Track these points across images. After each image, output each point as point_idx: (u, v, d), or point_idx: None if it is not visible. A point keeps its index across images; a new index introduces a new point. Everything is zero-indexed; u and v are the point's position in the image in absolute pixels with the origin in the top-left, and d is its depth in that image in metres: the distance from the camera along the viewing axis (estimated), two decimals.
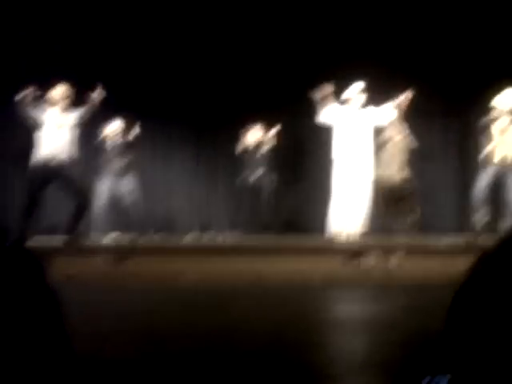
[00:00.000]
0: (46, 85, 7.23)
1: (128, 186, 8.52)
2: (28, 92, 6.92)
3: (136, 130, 8.57)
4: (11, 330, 0.71)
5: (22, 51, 9.26)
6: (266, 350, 3.07)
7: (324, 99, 7.53)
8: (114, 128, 8.50)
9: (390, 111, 7.71)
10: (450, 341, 1.25)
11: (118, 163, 8.49)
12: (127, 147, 8.58)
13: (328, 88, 7.51)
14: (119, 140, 8.55)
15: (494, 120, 7.49)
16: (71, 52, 9.33)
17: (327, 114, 7.61)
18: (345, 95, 7.71)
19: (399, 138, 8.22)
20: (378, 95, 7.86)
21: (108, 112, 7.93)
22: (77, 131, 7.25)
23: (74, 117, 7.17)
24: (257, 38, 9.70)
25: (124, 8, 9.31)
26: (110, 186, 8.45)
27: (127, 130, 8.55)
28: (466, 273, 1.29)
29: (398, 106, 7.68)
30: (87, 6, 9.21)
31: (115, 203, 8.55)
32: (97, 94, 7.28)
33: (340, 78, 7.88)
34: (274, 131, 9.04)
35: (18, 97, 6.95)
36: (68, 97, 7.12)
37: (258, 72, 9.84)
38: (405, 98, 7.62)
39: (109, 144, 8.54)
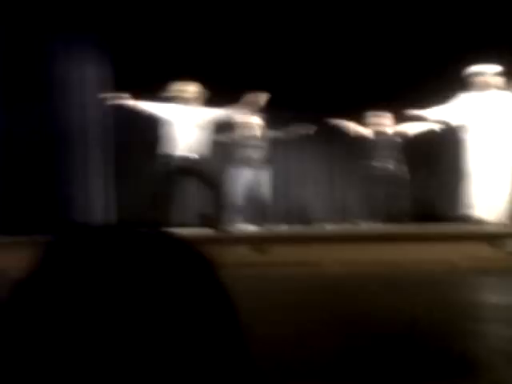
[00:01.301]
0: (178, 81, 7.44)
1: (264, 177, 8.65)
2: (117, 98, 7.21)
3: (311, 129, 8.73)
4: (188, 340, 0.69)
5: (156, 47, 9.55)
6: (415, 337, 3.04)
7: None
8: (256, 120, 8.61)
9: None
10: None
11: (254, 155, 8.62)
12: (265, 139, 8.70)
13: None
14: (255, 132, 8.69)
15: None
16: (203, 49, 9.55)
17: (435, 113, 7.50)
18: (478, 78, 7.48)
19: None
20: None
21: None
22: (210, 129, 7.43)
23: (208, 115, 7.34)
24: (383, 22, 9.56)
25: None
26: (246, 178, 8.62)
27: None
28: None
29: None
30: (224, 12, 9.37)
31: (252, 195, 8.72)
32: (260, 99, 7.49)
33: (471, 60, 7.65)
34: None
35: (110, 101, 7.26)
36: (200, 95, 7.30)
37: (387, 55, 9.70)
38: None
39: (245, 136, 8.68)
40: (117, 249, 0.71)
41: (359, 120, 9.06)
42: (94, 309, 0.66)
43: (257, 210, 8.87)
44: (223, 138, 8.53)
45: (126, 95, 7.26)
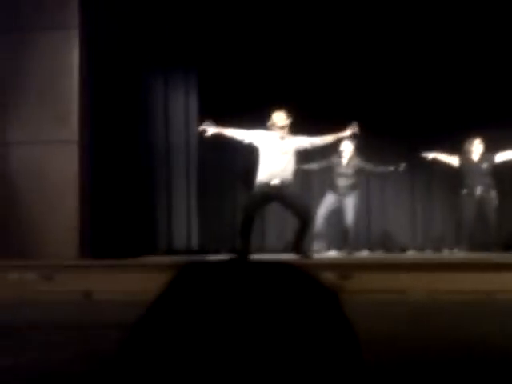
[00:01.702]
0: (268, 110, 7.55)
1: (350, 204, 8.62)
2: (203, 130, 7.41)
3: (401, 167, 8.75)
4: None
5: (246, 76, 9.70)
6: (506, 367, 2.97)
7: None
8: (347, 148, 8.62)
9: None
10: None
11: (342, 182, 8.62)
12: (355, 167, 8.69)
13: None
14: (345, 160, 8.68)
15: None
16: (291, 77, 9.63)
17: None
18: None
19: None
20: None
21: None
22: (297, 156, 7.50)
23: (295, 143, 7.41)
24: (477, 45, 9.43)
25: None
26: (333, 204, 8.63)
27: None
28: None
29: None
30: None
31: (337, 221, 8.72)
32: (351, 131, 7.63)
33: None
34: None
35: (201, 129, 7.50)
36: (288, 123, 7.37)
37: (479, 82, 9.56)
38: None
39: (335, 163, 8.69)
40: (248, 279, 0.72)
41: (450, 146, 8.91)
42: (221, 334, 0.66)
43: (341, 236, 8.85)
44: (313, 166, 8.62)
45: (208, 123, 7.45)
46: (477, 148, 8.71)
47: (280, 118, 7.32)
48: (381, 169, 8.84)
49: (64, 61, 7.71)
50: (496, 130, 8.59)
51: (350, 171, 8.65)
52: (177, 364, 0.66)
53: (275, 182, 7.25)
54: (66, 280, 6.00)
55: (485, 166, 8.68)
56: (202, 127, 7.50)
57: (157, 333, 0.69)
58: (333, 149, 8.52)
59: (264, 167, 7.31)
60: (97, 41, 7.85)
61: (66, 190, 7.49)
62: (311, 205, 8.50)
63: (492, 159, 8.68)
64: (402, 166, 8.79)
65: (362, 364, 0.73)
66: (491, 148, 8.70)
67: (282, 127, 7.29)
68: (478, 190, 8.65)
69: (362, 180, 9.17)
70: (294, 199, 7.40)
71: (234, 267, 0.74)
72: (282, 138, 7.33)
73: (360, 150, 8.71)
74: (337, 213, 8.72)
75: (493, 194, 8.68)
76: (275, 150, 7.29)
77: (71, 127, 7.62)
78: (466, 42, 9.37)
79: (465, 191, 8.75)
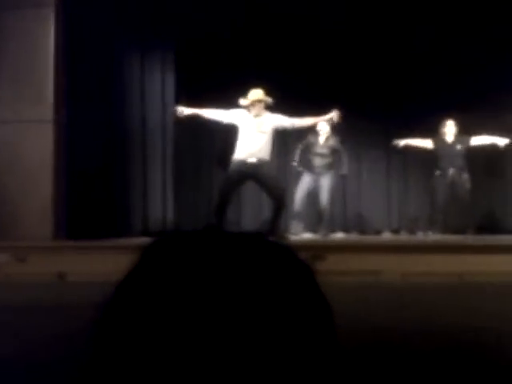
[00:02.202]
0: (243, 88, 7.55)
1: (325, 184, 8.66)
2: (179, 111, 7.48)
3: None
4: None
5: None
6: (479, 349, 3.01)
7: None
8: (324, 128, 8.62)
9: None
10: None
11: (318, 162, 8.65)
12: (331, 147, 8.72)
13: None
14: (321, 139, 8.71)
15: None
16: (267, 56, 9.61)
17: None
18: None
19: None
20: None
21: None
22: (274, 134, 7.51)
23: (272, 121, 7.41)
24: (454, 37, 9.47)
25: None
26: (309, 184, 8.66)
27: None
28: None
29: None
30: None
31: (312, 201, 8.75)
32: (334, 116, 7.70)
33: None
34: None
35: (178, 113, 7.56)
36: (265, 102, 7.38)
37: (458, 65, 9.62)
38: None
39: (311, 142, 8.72)
40: (219, 251, 0.70)
41: (425, 128, 8.95)
42: (193, 311, 0.66)
43: (316, 217, 8.89)
44: (297, 154, 8.66)
45: (182, 108, 7.48)
46: (450, 129, 8.78)
47: (254, 93, 7.34)
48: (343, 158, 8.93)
49: (39, 39, 7.61)
50: (471, 113, 8.65)
51: (326, 151, 8.69)
52: (151, 339, 0.65)
53: (251, 160, 7.25)
54: (39, 261, 5.96)
55: (458, 147, 8.75)
56: (176, 111, 7.49)
57: (130, 308, 0.68)
58: (309, 128, 8.54)
59: (241, 146, 7.33)
60: (73, 19, 7.76)
61: (41, 170, 7.42)
62: (287, 185, 8.52)
63: (467, 142, 8.74)
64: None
65: (335, 336, 0.73)
66: (466, 131, 8.78)
67: (255, 103, 7.29)
68: (451, 172, 8.72)
69: (337, 161, 9.21)
70: (269, 179, 7.41)
71: (206, 237, 0.73)
72: (257, 115, 7.33)
73: (337, 130, 8.73)
74: (312, 194, 8.75)
75: (465, 176, 8.75)
76: (251, 128, 7.30)
77: (46, 107, 7.53)
78: (440, 27, 9.39)
79: (438, 173, 8.82)
